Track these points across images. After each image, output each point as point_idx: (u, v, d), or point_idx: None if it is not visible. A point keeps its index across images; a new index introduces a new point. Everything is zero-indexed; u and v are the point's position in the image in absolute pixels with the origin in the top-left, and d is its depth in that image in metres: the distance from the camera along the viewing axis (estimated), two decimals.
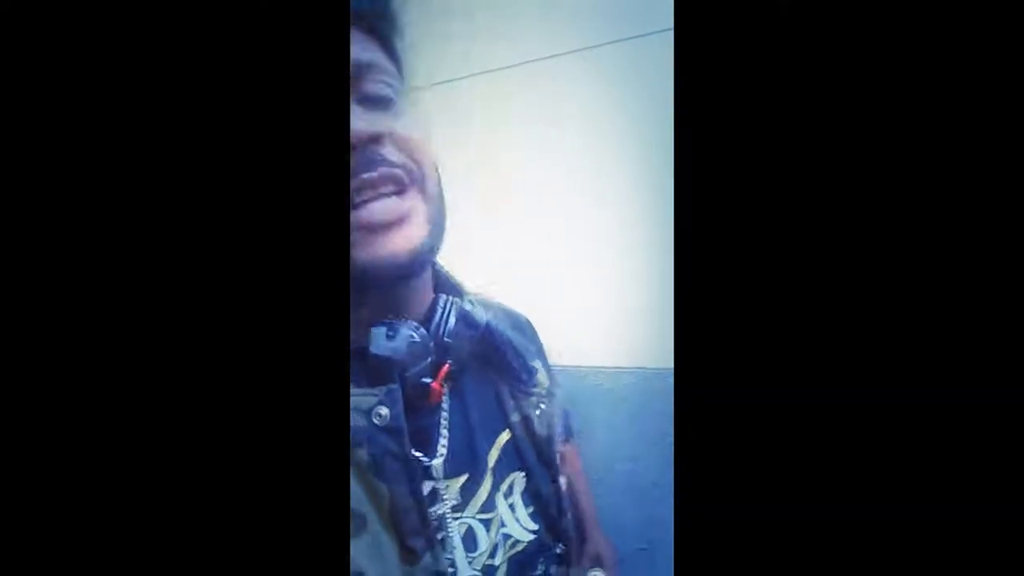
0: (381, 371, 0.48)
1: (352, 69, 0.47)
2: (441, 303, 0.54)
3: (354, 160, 0.46)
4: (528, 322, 0.70)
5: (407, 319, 0.51)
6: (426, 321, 0.52)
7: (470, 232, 2.10)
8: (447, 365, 0.52)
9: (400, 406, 0.47)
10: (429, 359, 0.50)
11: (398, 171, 0.48)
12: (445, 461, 0.52)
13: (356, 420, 0.46)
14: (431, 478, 0.51)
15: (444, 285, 0.60)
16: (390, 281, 0.49)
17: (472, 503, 0.53)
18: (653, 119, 1.65)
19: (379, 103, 0.49)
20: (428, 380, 0.50)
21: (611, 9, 1.72)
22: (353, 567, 0.45)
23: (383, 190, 0.47)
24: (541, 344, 0.69)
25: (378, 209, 0.47)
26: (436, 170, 0.52)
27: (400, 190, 0.48)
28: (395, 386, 0.48)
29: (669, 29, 1.59)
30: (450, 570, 0.49)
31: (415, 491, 0.47)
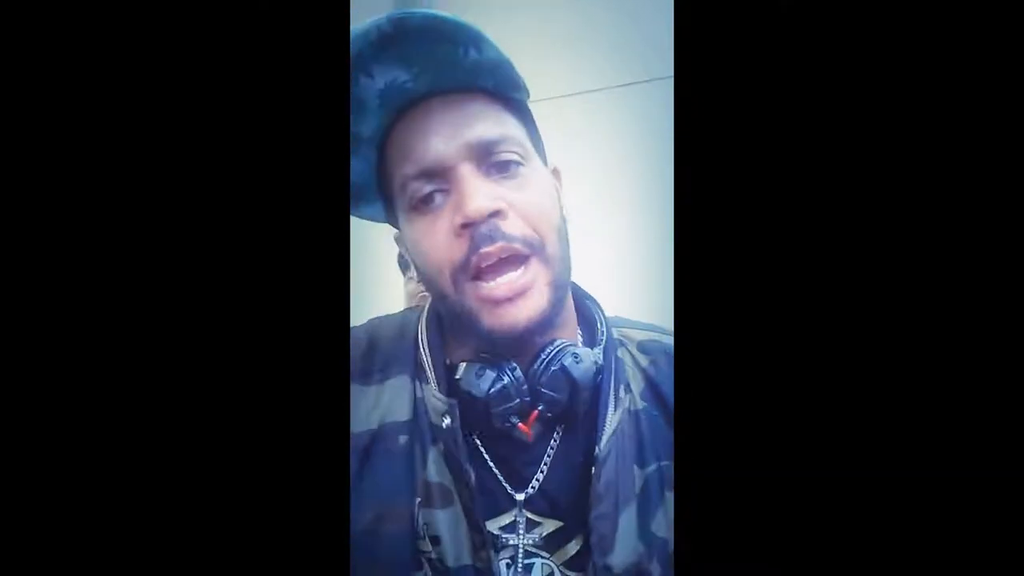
0: (463, 398, 0.54)
1: (484, 144, 0.52)
2: (546, 350, 0.55)
3: (475, 232, 0.50)
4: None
5: (506, 360, 0.55)
6: (530, 363, 0.55)
7: None
8: (535, 411, 0.54)
9: (458, 422, 0.54)
10: (517, 401, 0.54)
11: (517, 245, 0.51)
12: (533, 498, 0.56)
13: (435, 418, 0.55)
14: (515, 507, 0.55)
15: (585, 316, 0.63)
16: (510, 342, 0.53)
17: (560, 552, 0.55)
18: (654, 159, 1.68)
19: (505, 173, 0.53)
20: (515, 420, 0.54)
21: (617, 56, 1.77)
22: (430, 531, 0.53)
23: (504, 265, 0.51)
24: None
25: (499, 284, 0.51)
26: (561, 225, 0.55)
27: (521, 262, 0.52)
28: (454, 401, 0.54)
29: (670, 77, 1.64)
30: None
31: (486, 508, 0.54)
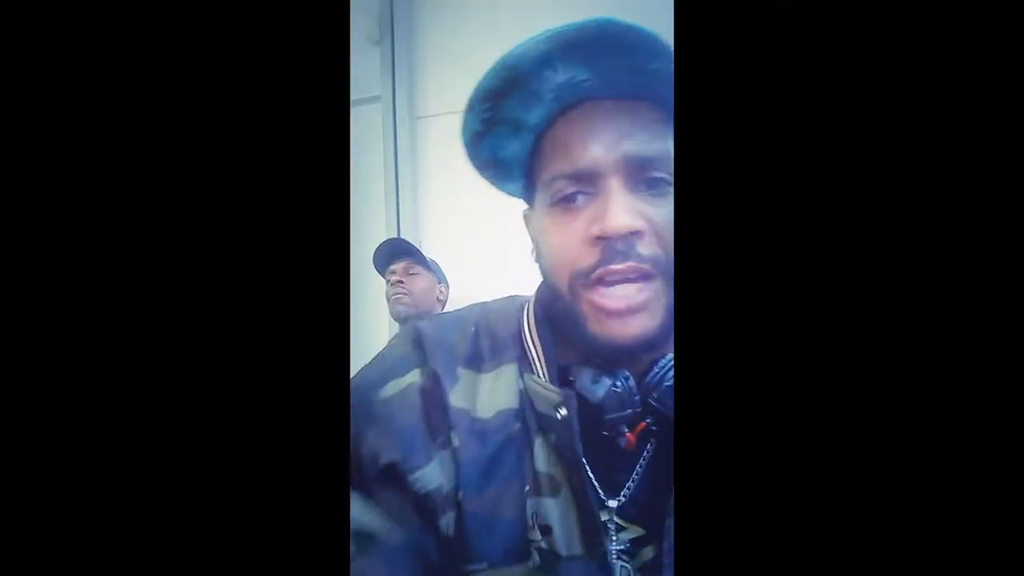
0: (576, 400, 0.54)
1: (640, 160, 0.52)
2: (660, 363, 0.56)
3: (609, 246, 0.51)
4: None
5: (620, 369, 0.55)
6: (643, 375, 0.56)
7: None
8: (643, 423, 0.55)
9: (576, 412, 0.53)
10: (629, 411, 0.54)
11: (646, 265, 0.51)
12: (624, 506, 0.56)
13: (543, 408, 0.55)
14: (606, 510, 0.56)
15: None
16: (611, 353, 0.54)
17: (637, 558, 0.56)
18: None
19: (653, 191, 0.52)
20: (625, 429, 0.55)
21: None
22: (540, 520, 0.54)
23: (627, 279, 0.51)
24: None
25: (615, 295, 0.51)
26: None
27: (644, 279, 0.51)
28: (571, 392, 0.54)
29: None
30: None
31: (588, 501, 0.54)
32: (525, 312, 0.61)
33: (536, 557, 0.54)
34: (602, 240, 0.50)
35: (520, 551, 0.54)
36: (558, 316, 0.57)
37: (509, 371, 0.59)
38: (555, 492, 0.55)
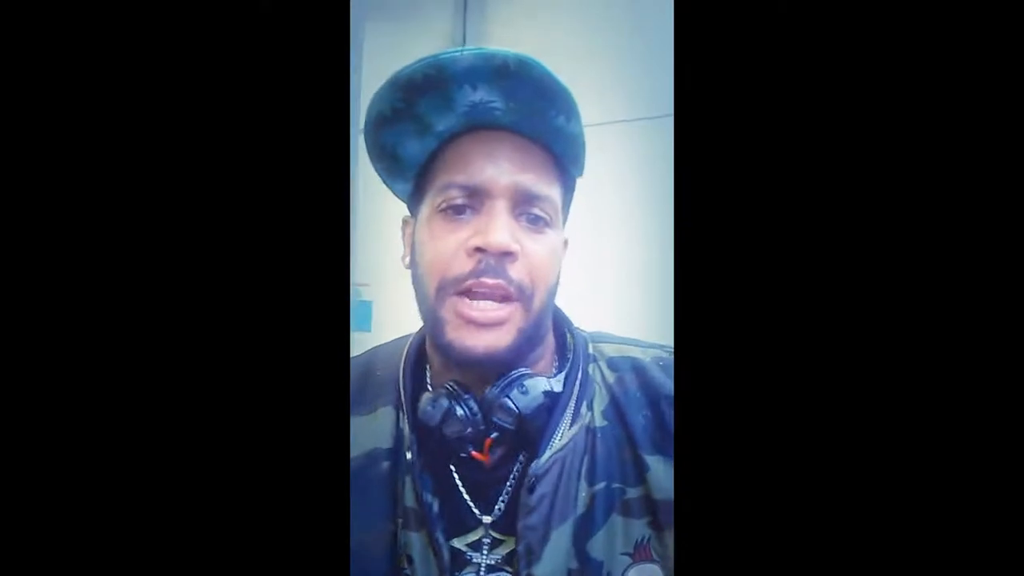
0: (420, 427, 0.58)
1: (530, 195, 0.56)
2: (500, 380, 0.57)
3: (485, 260, 0.54)
4: (669, 404, 0.60)
5: (463, 392, 0.58)
6: (485, 393, 0.58)
7: None
8: (489, 439, 0.57)
9: (418, 457, 0.58)
10: (470, 430, 0.56)
11: (511, 288, 0.55)
12: (499, 520, 0.59)
13: (406, 449, 0.59)
14: (480, 527, 0.59)
15: (561, 340, 0.65)
16: (467, 364, 0.57)
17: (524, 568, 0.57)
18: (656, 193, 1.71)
19: (532, 226, 0.57)
20: (469, 447, 0.57)
21: (621, 92, 1.82)
22: (407, 550, 0.58)
23: (489, 295, 0.55)
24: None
25: (477, 307, 0.55)
26: (553, 288, 0.59)
27: (505, 300, 0.55)
28: (414, 436, 0.59)
29: (669, 115, 1.68)
30: None
31: (454, 527, 0.58)
32: (403, 354, 0.64)
33: None
34: (479, 252, 0.54)
35: None
36: (425, 322, 0.59)
37: (385, 412, 0.62)
38: (419, 527, 0.58)
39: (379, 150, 0.60)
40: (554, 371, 0.62)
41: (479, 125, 0.57)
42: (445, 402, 0.56)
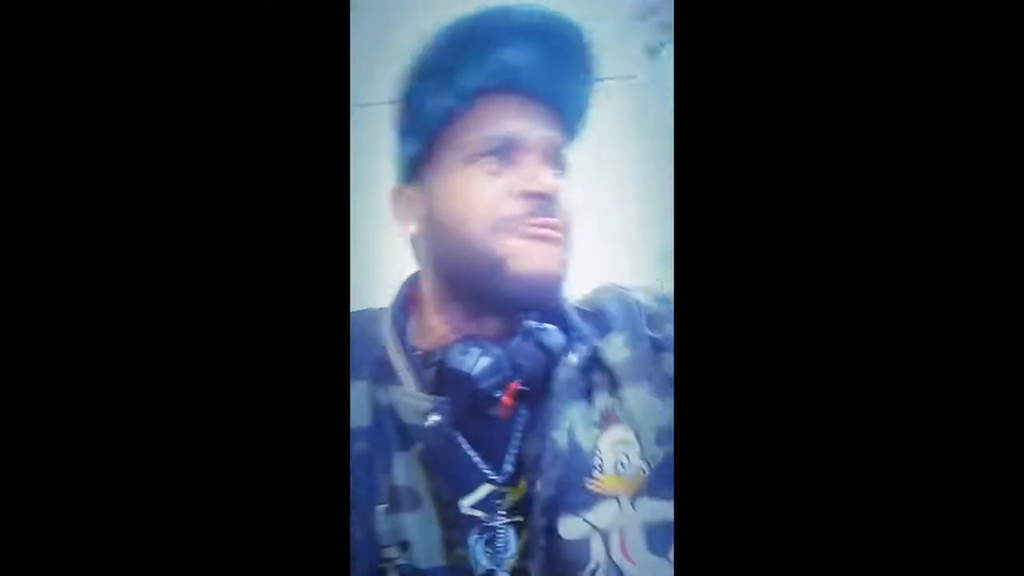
0: (448, 380, 0.57)
1: (555, 148, 0.61)
2: (522, 327, 0.60)
3: (535, 201, 0.58)
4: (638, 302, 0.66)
5: (485, 339, 0.58)
6: (508, 340, 0.59)
7: None
8: (514, 384, 0.57)
9: (449, 417, 0.56)
10: (500, 376, 0.57)
11: (555, 224, 0.59)
12: (508, 475, 0.59)
13: (412, 418, 0.57)
14: (491, 483, 0.58)
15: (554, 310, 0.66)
16: (533, 292, 0.58)
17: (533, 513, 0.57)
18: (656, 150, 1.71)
19: (560, 177, 0.61)
20: (499, 394, 0.57)
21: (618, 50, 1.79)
22: (398, 536, 0.55)
23: (553, 225, 0.58)
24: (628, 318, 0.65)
25: (545, 232, 0.58)
26: (572, 232, 0.62)
27: (559, 231, 0.59)
28: (445, 399, 0.57)
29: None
30: (490, 566, 0.56)
31: (460, 491, 0.57)
32: (387, 325, 0.63)
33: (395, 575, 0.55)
34: (529, 197, 0.57)
35: (373, 570, 0.55)
36: (463, 267, 0.59)
37: (359, 388, 0.60)
38: (415, 506, 0.56)
39: (406, 102, 0.61)
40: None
41: (504, 87, 0.60)
42: (477, 349, 0.57)
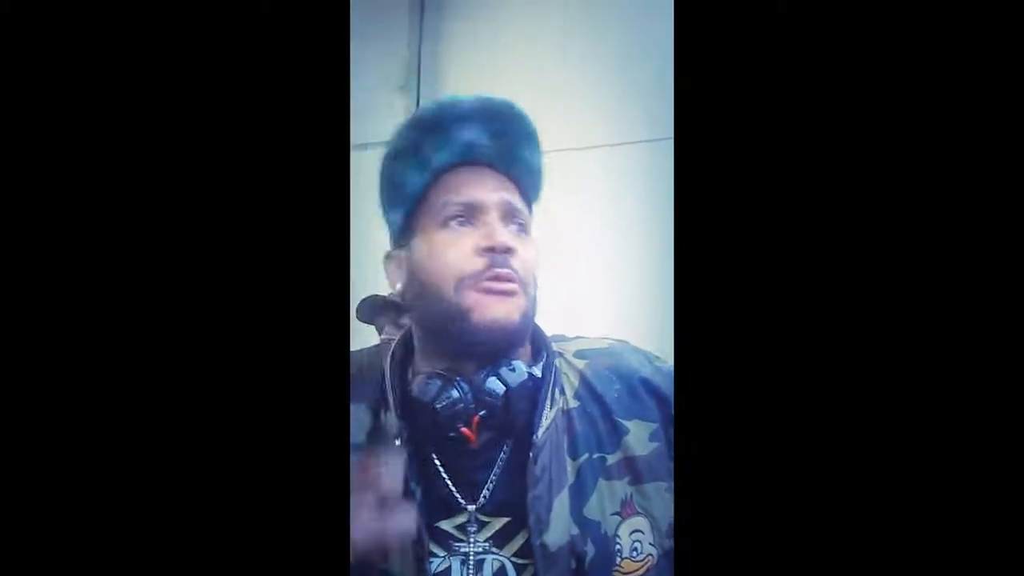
0: (414, 409, 0.66)
1: (511, 208, 0.71)
2: (491, 365, 0.67)
3: (493, 257, 0.67)
4: (642, 381, 0.73)
5: (457, 376, 0.66)
6: (473, 375, 0.67)
7: None
8: (476, 416, 0.65)
9: (411, 443, 0.64)
10: (462, 406, 0.64)
11: (516, 276, 0.68)
12: (486, 503, 0.66)
13: (390, 441, 0.64)
14: (466, 513, 0.66)
15: (539, 342, 0.76)
16: (489, 335, 0.66)
17: (510, 545, 0.66)
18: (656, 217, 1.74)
19: (521, 232, 0.71)
20: (460, 425, 0.64)
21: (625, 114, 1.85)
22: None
23: (509, 278, 0.66)
24: (655, 404, 0.72)
25: (500, 286, 0.66)
26: (535, 280, 0.71)
27: (515, 283, 0.67)
28: (404, 423, 0.66)
29: (670, 138, 1.71)
30: None
31: (437, 515, 0.65)
32: (389, 354, 0.73)
33: None
34: (488, 252, 0.66)
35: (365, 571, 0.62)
36: (437, 319, 0.69)
37: (356, 410, 0.69)
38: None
39: (387, 180, 0.73)
40: (530, 363, 0.72)
41: (467, 160, 0.71)
42: (439, 381, 0.66)
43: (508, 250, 0.67)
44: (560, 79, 1.86)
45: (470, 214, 0.69)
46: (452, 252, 0.68)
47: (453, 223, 0.68)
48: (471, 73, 2.34)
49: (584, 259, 1.83)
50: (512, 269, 0.67)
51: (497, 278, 0.66)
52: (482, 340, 0.66)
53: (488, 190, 0.70)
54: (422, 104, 0.73)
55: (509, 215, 0.71)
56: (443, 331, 0.69)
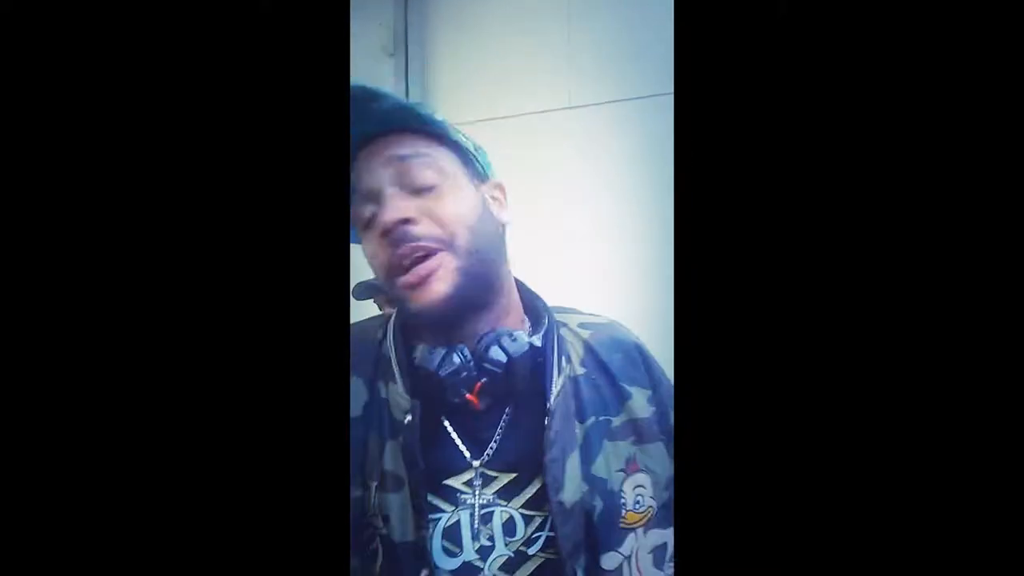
0: (420, 380, 0.67)
1: (399, 161, 0.65)
2: (489, 333, 0.68)
3: (391, 238, 0.63)
4: (637, 348, 0.76)
5: (459, 344, 0.67)
6: (475, 344, 0.68)
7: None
8: (479, 383, 0.66)
9: (419, 415, 0.65)
10: (464, 374, 0.65)
11: (425, 242, 0.63)
12: (491, 460, 0.68)
13: (398, 415, 0.67)
14: (472, 469, 0.68)
15: (530, 307, 0.75)
16: (442, 324, 0.66)
17: (518, 498, 0.67)
18: (655, 172, 1.71)
19: (424, 190, 0.65)
20: (464, 391, 0.65)
21: (621, 71, 1.81)
22: (383, 511, 0.65)
23: (418, 260, 0.63)
24: (647, 371, 0.75)
25: (410, 273, 0.63)
26: (477, 226, 0.67)
27: (431, 255, 0.63)
28: (416, 401, 0.66)
29: (669, 93, 1.67)
30: (487, 543, 0.66)
31: (445, 473, 0.66)
32: (388, 327, 0.72)
33: (377, 542, 0.66)
34: (385, 235, 0.63)
35: (364, 536, 0.66)
36: (402, 312, 0.69)
37: (355, 384, 0.70)
38: (398, 488, 0.65)
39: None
40: (528, 326, 0.73)
41: (364, 142, 0.67)
42: (442, 350, 0.66)
43: (404, 222, 0.63)
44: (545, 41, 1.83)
45: (372, 203, 0.65)
46: (369, 248, 0.67)
47: (365, 225, 0.66)
48: (462, 36, 2.30)
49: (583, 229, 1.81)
50: (414, 238, 0.63)
51: (404, 268, 0.63)
52: (437, 319, 0.66)
53: (374, 167, 0.65)
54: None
55: (404, 175, 0.65)
56: (411, 315, 0.68)
